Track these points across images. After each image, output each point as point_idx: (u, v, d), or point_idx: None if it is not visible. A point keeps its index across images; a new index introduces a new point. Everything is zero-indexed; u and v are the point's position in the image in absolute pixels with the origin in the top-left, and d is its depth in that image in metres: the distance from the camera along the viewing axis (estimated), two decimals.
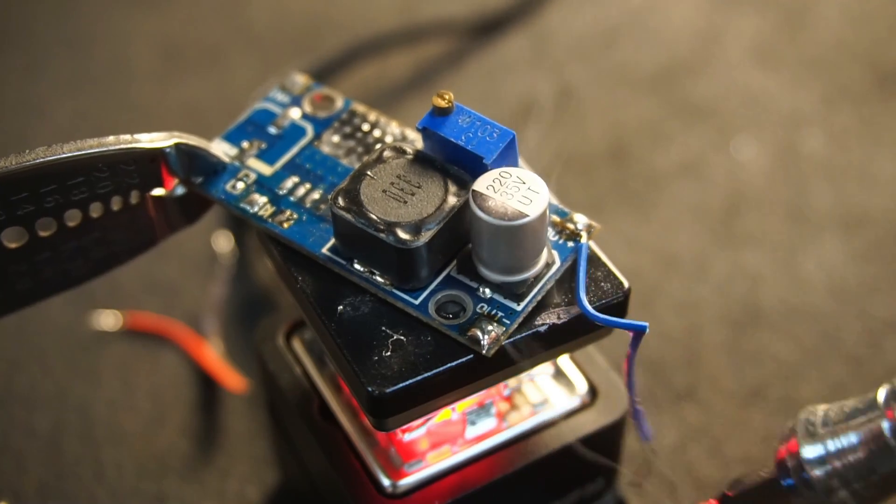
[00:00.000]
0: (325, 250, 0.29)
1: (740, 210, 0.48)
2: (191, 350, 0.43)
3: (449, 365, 0.27)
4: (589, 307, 0.28)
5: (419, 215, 0.27)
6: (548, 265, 0.28)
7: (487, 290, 0.28)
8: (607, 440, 0.32)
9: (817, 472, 0.25)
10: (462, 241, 0.28)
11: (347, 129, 0.31)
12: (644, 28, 0.58)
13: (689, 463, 0.40)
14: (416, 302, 0.28)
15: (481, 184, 0.27)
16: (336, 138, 0.31)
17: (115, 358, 0.43)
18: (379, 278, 0.28)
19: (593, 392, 0.32)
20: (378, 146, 0.30)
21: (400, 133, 0.31)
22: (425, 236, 0.27)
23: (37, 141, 0.51)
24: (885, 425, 0.24)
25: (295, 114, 0.32)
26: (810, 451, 0.25)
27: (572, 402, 0.32)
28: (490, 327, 0.27)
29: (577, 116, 0.53)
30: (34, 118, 0.53)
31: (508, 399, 0.32)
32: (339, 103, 0.32)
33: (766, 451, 0.40)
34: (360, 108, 0.32)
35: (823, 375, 0.42)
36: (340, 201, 0.28)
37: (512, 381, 0.32)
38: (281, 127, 0.31)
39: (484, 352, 0.27)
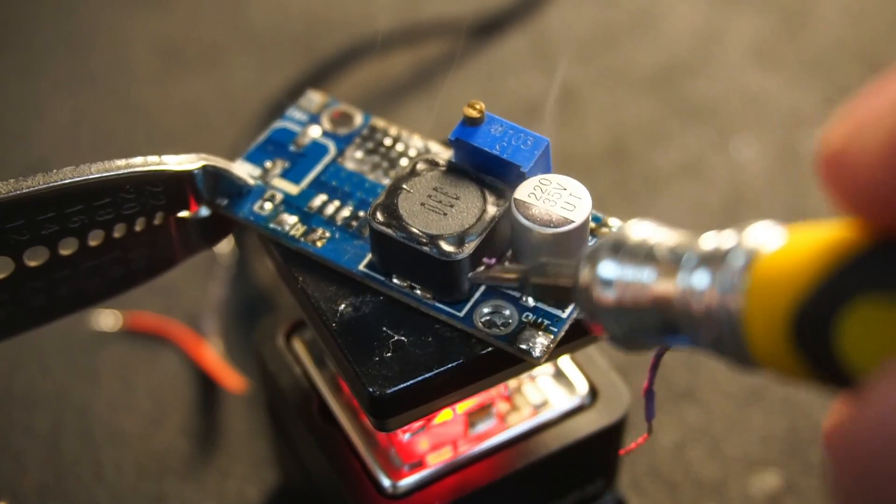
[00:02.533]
0: (362, 267, 0.28)
1: (740, 210, 0.48)
2: (190, 350, 0.43)
3: (450, 365, 0.27)
4: None
5: (461, 227, 0.27)
6: None
7: (530, 299, 0.28)
8: (608, 441, 0.32)
9: (604, 292, 0.21)
10: (499, 250, 0.28)
11: (370, 145, 0.31)
12: (644, 28, 0.58)
13: (689, 463, 0.40)
14: (461, 314, 0.27)
15: (522, 192, 0.27)
16: (359, 154, 0.31)
17: (115, 358, 0.43)
18: (419, 292, 0.28)
19: (594, 393, 0.32)
20: (409, 159, 0.30)
21: (423, 146, 0.31)
22: (469, 247, 0.27)
23: (37, 141, 0.51)
24: (675, 290, 0.20)
25: (315, 132, 0.32)
26: (605, 270, 0.21)
27: (573, 402, 0.32)
28: (538, 336, 0.27)
29: (577, 116, 0.53)
30: (34, 118, 0.53)
31: (509, 399, 0.32)
32: (359, 119, 0.32)
33: (765, 451, 0.40)
34: (380, 122, 0.32)
35: None
36: (379, 216, 0.27)
37: (512, 382, 0.32)
38: (302, 145, 0.31)
39: (536, 361, 0.27)
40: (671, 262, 0.20)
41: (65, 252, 0.28)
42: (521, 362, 0.28)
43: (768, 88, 0.54)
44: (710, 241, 0.20)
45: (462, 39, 0.57)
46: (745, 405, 0.41)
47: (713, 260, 0.19)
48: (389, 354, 0.27)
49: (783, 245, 0.18)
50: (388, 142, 0.31)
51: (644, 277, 0.21)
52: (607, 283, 0.21)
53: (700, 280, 0.19)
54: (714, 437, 0.40)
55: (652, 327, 0.21)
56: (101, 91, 0.54)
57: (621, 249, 0.21)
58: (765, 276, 0.18)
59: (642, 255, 0.21)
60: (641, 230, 0.22)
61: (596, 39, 0.57)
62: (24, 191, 0.27)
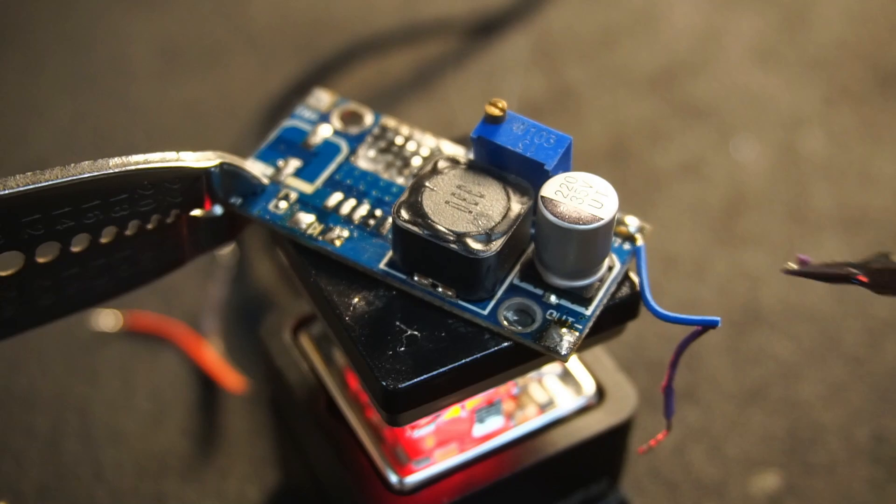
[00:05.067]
0: (382, 265, 0.28)
1: (740, 210, 0.48)
2: (191, 350, 0.43)
3: (463, 360, 0.27)
4: (658, 307, 0.28)
5: (487, 224, 0.27)
6: (609, 268, 0.28)
7: (553, 297, 0.28)
8: (614, 441, 0.32)
9: None
10: (521, 248, 0.28)
11: (382, 144, 0.31)
12: (644, 28, 0.58)
13: (689, 463, 0.40)
14: (485, 312, 0.27)
15: (549, 189, 0.27)
16: (372, 153, 0.31)
17: (115, 358, 0.43)
18: (441, 290, 0.28)
19: (601, 392, 0.32)
20: (423, 158, 0.30)
21: (436, 144, 0.31)
22: (496, 245, 0.27)
23: (36, 141, 0.51)
24: None
25: (326, 131, 0.31)
26: None
27: (580, 402, 0.32)
28: (564, 333, 0.27)
29: (577, 116, 0.53)
30: (34, 118, 0.53)
31: (516, 398, 0.32)
32: (369, 118, 0.32)
33: (766, 451, 0.40)
34: (390, 121, 0.32)
35: (823, 375, 0.42)
36: (404, 214, 0.27)
37: (520, 381, 0.32)
38: (313, 144, 0.31)
39: (563, 359, 0.27)
40: None
41: (76, 249, 0.28)
42: (534, 358, 0.28)
43: (768, 88, 0.54)
44: None
45: (462, 39, 0.57)
46: (745, 405, 0.41)
47: None
48: (403, 349, 0.27)
49: None
50: (399, 140, 0.31)
51: None
52: None
53: None
54: (714, 437, 0.41)
55: None
56: (101, 91, 0.54)
57: None
58: None
59: None
60: None
61: (596, 39, 0.57)
62: (42, 184, 0.26)
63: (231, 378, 0.42)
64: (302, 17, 0.58)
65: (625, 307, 0.29)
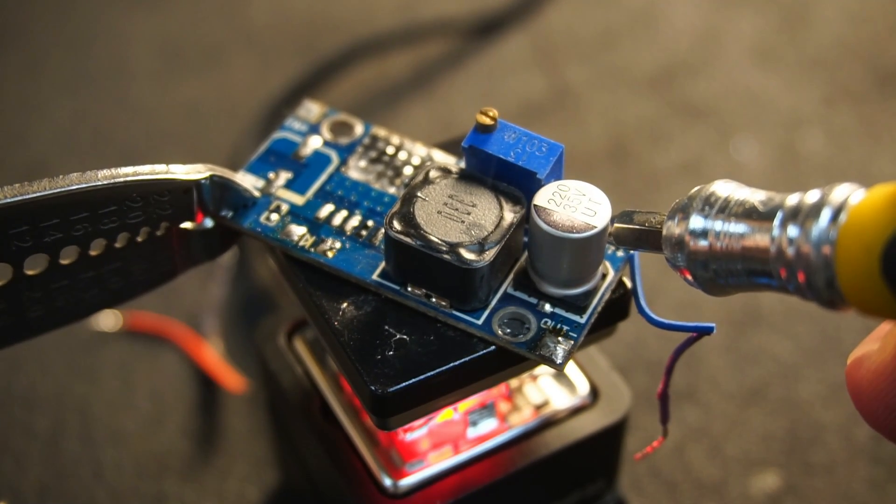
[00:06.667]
0: (375, 276, 0.28)
1: None
2: (190, 350, 0.43)
3: (452, 364, 0.27)
4: (653, 314, 0.28)
5: (480, 234, 0.27)
6: (603, 276, 0.28)
7: (548, 305, 0.28)
8: (609, 441, 0.32)
9: (696, 242, 0.24)
10: (514, 257, 0.28)
11: (373, 154, 0.31)
12: (644, 28, 0.58)
13: (689, 463, 0.40)
14: (479, 322, 0.27)
15: (542, 198, 0.27)
16: (363, 163, 0.31)
17: (115, 358, 0.43)
18: (435, 300, 0.28)
19: (595, 393, 0.32)
20: (414, 167, 0.30)
21: (427, 153, 0.31)
22: (489, 255, 0.27)
23: (37, 141, 0.51)
24: (769, 242, 0.23)
25: (316, 142, 0.31)
26: (696, 223, 0.24)
27: (574, 402, 0.32)
28: (559, 341, 0.27)
29: (577, 116, 0.53)
30: (34, 118, 0.53)
31: (510, 399, 0.32)
32: (359, 129, 0.32)
33: (765, 450, 0.40)
34: (380, 131, 0.32)
35: (823, 375, 0.42)
36: (396, 225, 0.27)
37: (513, 382, 0.32)
38: (304, 156, 0.31)
39: (559, 368, 0.27)
40: (764, 214, 0.23)
41: (65, 261, 0.28)
42: (522, 362, 0.28)
43: (768, 88, 0.54)
44: (797, 196, 0.23)
45: (462, 39, 0.57)
46: (745, 405, 0.41)
47: (804, 212, 0.22)
48: (391, 353, 0.27)
49: (866, 196, 0.21)
50: (390, 150, 0.31)
51: (737, 229, 0.23)
52: (701, 234, 0.24)
53: (793, 230, 0.22)
54: (714, 437, 0.40)
55: (741, 272, 0.24)
56: (101, 91, 0.54)
57: (709, 204, 0.24)
58: (854, 222, 0.21)
59: (731, 209, 0.24)
60: (727, 187, 0.24)
61: (596, 39, 0.57)
62: (29, 196, 0.26)
63: (231, 378, 0.42)
64: (302, 17, 0.58)
65: (615, 308, 0.29)
